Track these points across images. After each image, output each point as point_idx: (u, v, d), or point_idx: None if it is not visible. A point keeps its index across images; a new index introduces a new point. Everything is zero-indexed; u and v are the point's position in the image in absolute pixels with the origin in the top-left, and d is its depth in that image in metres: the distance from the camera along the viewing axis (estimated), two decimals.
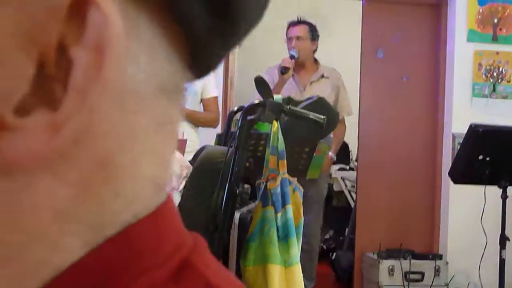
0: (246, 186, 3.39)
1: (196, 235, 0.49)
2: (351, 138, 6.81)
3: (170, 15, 0.43)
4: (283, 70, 5.18)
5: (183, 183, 2.93)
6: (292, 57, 5.33)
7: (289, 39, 5.51)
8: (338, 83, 5.55)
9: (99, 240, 0.41)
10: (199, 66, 0.48)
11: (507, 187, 4.63)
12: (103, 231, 0.42)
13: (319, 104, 3.90)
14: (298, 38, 5.46)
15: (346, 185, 6.86)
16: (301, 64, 5.46)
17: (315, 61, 5.61)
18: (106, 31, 0.37)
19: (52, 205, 0.40)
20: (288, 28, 5.59)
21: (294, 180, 3.42)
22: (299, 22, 5.56)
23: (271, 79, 5.29)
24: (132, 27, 0.41)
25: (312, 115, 3.09)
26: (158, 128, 0.45)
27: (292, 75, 5.40)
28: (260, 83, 3.35)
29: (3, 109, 0.37)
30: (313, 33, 5.55)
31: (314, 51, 5.58)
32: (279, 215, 3.22)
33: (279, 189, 3.25)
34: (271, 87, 5.20)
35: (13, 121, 0.37)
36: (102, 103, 0.39)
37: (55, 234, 0.40)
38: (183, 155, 3.79)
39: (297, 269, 3.22)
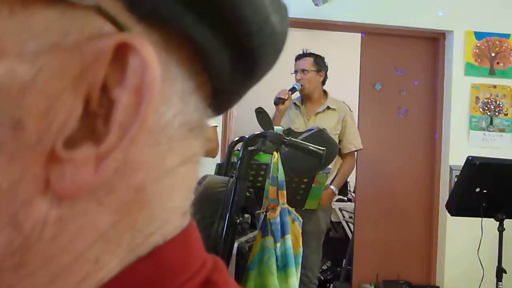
0: (246, 215, 3.38)
1: (215, 257, 0.51)
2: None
3: (200, 64, 0.46)
4: (277, 101, 5.15)
5: None
6: (293, 89, 5.30)
7: (295, 72, 5.48)
8: (346, 116, 5.47)
9: (132, 259, 0.44)
10: (221, 105, 0.52)
11: (503, 220, 4.62)
12: (136, 251, 0.44)
13: (319, 136, 3.90)
14: (303, 71, 5.42)
15: (344, 216, 6.85)
16: (308, 96, 5.43)
17: (324, 92, 5.57)
18: (145, 75, 0.39)
19: (96, 229, 0.42)
20: (295, 62, 5.55)
21: (293, 210, 3.41)
22: (304, 55, 5.53)
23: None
24: (166, 72, 0.43)
25: (312, 146, 3.09)
26: (184, 161, 0.47)
27: (299, 106, 5.40)
28: (261, 114, 3.34)
29: (55, 142, 0.39)
30: (319, 64, 5.50)
31: (323, 82, 5.54)
32: (278, 244, 3.21)
33: (278, 219, 3.23)
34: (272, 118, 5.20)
35: (63, 154, 0.39)
36: (139, 139, 0.41)
37: (97, 254, 0.43)
38: None
39: None
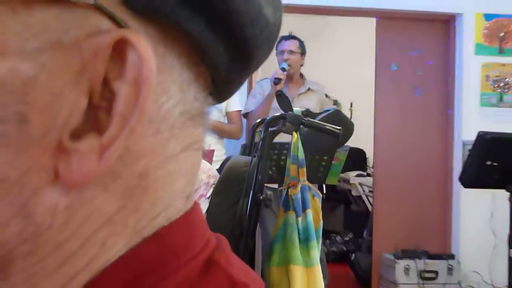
0: (269, 193, 3.39)
1: (220, 236, 0.52)
2: (368, 145, 6.80)
3: (197, 57, 0.46)
4: (276, 81, 5.11)
5: (211, 190, 2.94)
6: (283, 69, 5.24)
7: (280, 52, 5.40)
8: (323, 96, 5.51)
9: (138, 241, 0.44)
10: (221, 94, 0.51)
11: None
12: (141, 233, 0.45)
13: (335, 116, 3.90)
14: (291, 52, 5.38)
15: (363, 190, 6.83)
16: (290, 77, 5.36)
17: (301, 75, 5.54)
18: (142, 68, 0.39)
19: (102, 214, 0.43)
20: (279, 42, 5.44)
21: (313, 186, 3.41)
22: (291, 36, 5.48)
23: (262, 91, 5.30)
24: (164, 64, 0.43)
25: (329, 126, 3.09)
26: (186, 148, 0.47)
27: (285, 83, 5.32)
28: (281, 97, 3.36)
29: (62, 135, 0.40)
30: (303, 48, 5.48)
31: (301, 65, 5.51)
32: (299, 219, 3.22)
33: (299, 195, 3.24)
34: (262, 98, 5.18)
35: (69, 145, 0.40)
36: (140, 127, 0.41)
37: (104, 237, 0.43)
38: (211, 164, 3.79)
39: (317, 269, 3.21)
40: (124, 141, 0.40)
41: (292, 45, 5.40)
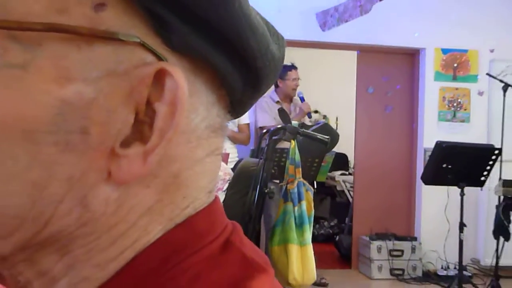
0: (272, 187, 3.40)
1: (235, 222, 0.51)
2: (350, 151, 6.80)
3: (220, 82, 0.46)
4: (310, 115, 5.19)
5: (226, 185, 2.94)
6: (302, 98, 5.29)
7: (293, 79, 5.38)
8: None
9: (171, 226, 0.44)
10: (237, 111, 0.51)
11: (464, 187, 4.59)
12: (174, 220, 0.44)
13: (324, 128, 3.95)
14: (295, 79, 5.39)
15: (346, 186, 6.81)
16: (291, 98, 5.42)
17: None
18: (177, 92, 0.40)
19: (144, 205, 0.43)
20: (289, 70, 5.41)
21: (306, 182, 3.42)
22: (294, 67, 5.45)
23: (269, 108, 5.25)
24: (194, 89, 0.43)
25: (319, 136, 3.09)
26: (210, 154, 0.47)
27: (281, 103, 5.31)
28: (282, 112, 3.41)
29: (114, 143, 0.40)
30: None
31: None
32: (296, 208, 3.23)
33: (296, 189, 3.25)
34: (268, 114, 5.18)
35: (120, 152, 0.40)
36: (175, 138, 0.41)
37: (146, 222, 0.43)
38: (226, 164, 3.79)
39: (310, 247, 3.22)
40: (162, 149, 0.40)
41: (297, 73, 5.42)
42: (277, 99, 5.30)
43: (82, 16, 0.38)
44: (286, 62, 5.49)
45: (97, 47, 0.39)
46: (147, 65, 0.40)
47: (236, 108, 0.51)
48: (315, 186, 6.98)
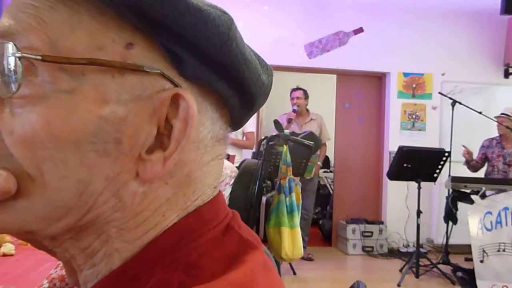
0: (268, 182, 3.38)
1: (234, 211, 0.51)
2: (331, 153, 6.79)
3: (222, 103, 0.46)
4: (289, 121, 5.22)
5: (232, 180, 2.94)
6: (294, 110, 5.32)
7: (292, 99, 5.44)
8: (321, 122, 5.48)
9: (184, 214, 0.45)
10: (236, 125, 0.51)
11: (420, 182, 4.59)
12: (187, 209, 0.45)
13: (310, 136, 3.94)
14: (298, 98, 5.39)
15: (327, 181, 6.81)
16: (299, 113, 5.40)
17: (307, 110, 5.54)
18: (189, 111, 0.40)
19: (163, 197, 0.43)
20: (291, 92, 5.50)
21: (296, 178, 3.41)
22: (297, 88, 5.49)
23: (282, 121, 5.27)
24: (202, 108, 0.44)
25: (306, 142, 3.09)
26: (214, 159, 0.47)
27: (295, 119, 5.36)
28: (277, 123, 3.41)
29: (141, 150, 0.41)
30: (306, 94, 5.48)
31: (306, 105, 5.52)
32: (287, 199, 3.22)
33: (287, 184, 3.24)
34: (283, 126, 5.19)
35: (145, 157, 0.41)
36: (187, 146, 0.42)
37: (164, 210, 0.43)
38: (233, 164, 3.78)
39: (298, 230, 3.20)
40: (178, 155, 0.41)
41: (298, 94, 5.43)
42: (290, 116, 5.38)
43: (115, 52, 0.39)
44: (291, 84, 5.60)
45: (127, 76, 0.39)
46: (166, 90, 0.41)
47: (235, 123, 0.51)
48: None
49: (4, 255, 1.68)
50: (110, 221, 0.42)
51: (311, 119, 5.45)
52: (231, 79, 0.44)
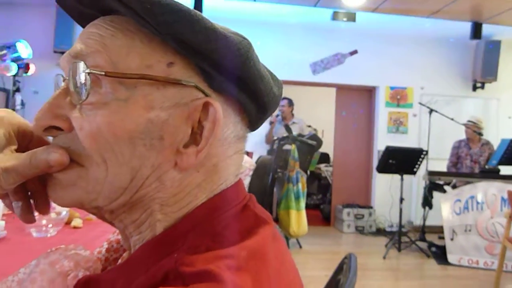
0: (280, 174, 3.40)
1: (251, 194, 0.51)
2: (330, 151, 6.74)
3: (242, 109, 0.47)
4: (271, 123, 5.21)
5: (251, 172, 2.95)
6: (277, 115, 5.29)
7: (281, 106, 5.36)
8: (302, 125, 5.33)
9: (212, 195, 0.45)
10: (253, 128, 0.51)
11: (403, 175, 4.53)
12: (214, 192, 0.45)
13: (313, 137, 3.94)
14: (283, 106, 5.33)
15: (328, 173, 6.76)
16: (284, 117, 5.31)
17: (292, 114, 5.43)
18: (216, 115, 0.41)
19: (195, 182, 0.44)
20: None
21: (301, 171, 3.42)
22: (283, 98, 5.37)
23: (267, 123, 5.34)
24: (226, 113, 0.44)
25: (310, 141, 3.08)
26: (236, 153, 0.48)
27: (281, 121, 5.31)
28: (287, 127, 3.43)
29: (179, 145, 0.41)
30: (290, 103, 5.38)
31: (291, 110, 5.41)
32: (294, 187, 3.23)
33: (295, 175, 3.26)
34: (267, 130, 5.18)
35: (182, 150, 0.41)
36: (214, 143, 0.43)
37: (196, 192, 0.44)
38: (251, 158, 3.79)
39: (303, 212, 3.22)
40: (207, 149, 0.42)
41: (284, 102, 5.36)
42: (271, 120, 5.31)
43: (160, 70, 0.40)
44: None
45: (169, 88, 0.41)
46: (199, 99, 0.42)
47: (252, 125, 0.51)
48: (309, 174, 6.99)
49: (75, 227, 1.70)
50: (154, 199, 0.43)
51: (293, 122, 5.34)
52: (249, 90, 0.45)
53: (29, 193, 0.44)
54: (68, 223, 1.71)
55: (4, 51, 4.57)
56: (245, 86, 0.44)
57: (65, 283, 0.43)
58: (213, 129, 0.41)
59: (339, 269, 1.15)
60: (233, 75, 0.43)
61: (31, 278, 0.44)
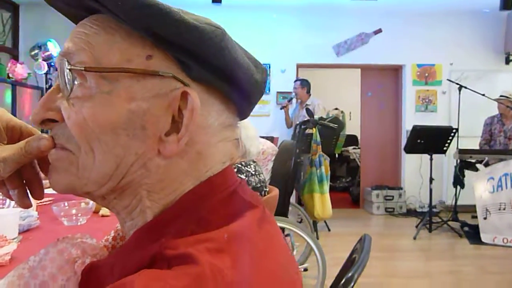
0: (303, 157, 3.39)
1: (242, 180, 0.50)
2: (358, 133, 6.65)
3: (226, 97, 0.47)
4: (281, 108, 5.11)
5: (274, 157, 2.96)
6: (290, 98, 5.14)
7: (294, 88, 5.19)
8: (315, 107, 5.07)
9: (197, 183, 0.46)
10: (242, 115, 0.52)
11: (432, 155, 4.44)
12: (199, 179, 0.46)
13: (334, 119, 3.91)
14: (296, 88, 5.15)
15: (356, 156, 6.69)
16: (298, 99, 5.14)
17: (309, 95, 5.19)
18: (193, 104, 0.42)
19: (180, 168, 0.45)
20: (294, 83, 5.24)
21: (324, 154, 3.40)
22: (297, 79, 5.25)
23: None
24: (208, 102, 0.45)
25: (331, 124, 3.06)
26: (222, 141, 0.48)
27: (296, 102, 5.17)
28: (308, 111, 3.41)
29: (161, 134, 0.43)
30: (303, 84, 5.15)
31: (307, 91, 5.16)
32: (318, 170, 3.22)
33: (317, 159, 3.25)
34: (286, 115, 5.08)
35: (164, 139, 0.43)
36: (197, 131, 0.44)
37: (181, 179, 0.45)
38: (276, 145, 3.80)
39: (327, 195, 3.21)
40: (187, 136, 0.43)
41: (297, 84, 5.17)
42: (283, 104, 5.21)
43: (139, 62, 0.42)
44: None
45: (148, 80, 0.42)
46: (177, 89, 0.43)
47: (241, 113, 0.51)
48: (337, 157, 6.95)
49: (103, 216, 1.77)
50: (141, 185, 0.44)
51: (306, 104, 5.13)
52: (228, 79, 0.45)
53: (24, 181, 0.48)
54: (96, 212, 1.79)
55: (36, 51, 4.77)
56: (223, 75, 0.44)
57: (72, 269, 0.46)
58: (191, 116, 0.42)
59: (355, 249, 1.17)
60: (209, 64, 0.43)
61: (41, 266, 0.47)
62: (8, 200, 1.69)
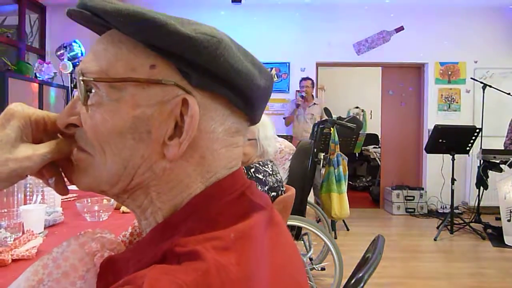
0: (321, 156, 3.38)
1: (253, 182, 0.52)
2: (378, 132, 6.57)
3: (232, 104, 0.48)
4: (297, 106, 5.01)
5: (291, 156, 2.96)
6: (302, 97, 5.05)
7: (301, 87, 5.13)
8: (322, 106, 5.08)
9: (203, 187, 0.47)
10: (252, 120, 0.52)
11: (454, 155, 4.35)
12: (205, 183, 0.47)
13: (353, 119, 3.88)
14: (307, 86, 5.09)
15: (376, 155, 6.61)
16: (306, 98, 5.06)
17: (312, 96, 5.18)
18: (193, 110, 0.44)
19: (186, 172, 0.47)
20: (300, 81, 5.20)
21: (342, 154, 3.38)
22: (306, 78, 5.18)
23: (292, 107, 5.12)
24: (211, 107, 0.46)
25: (349, 124, 3.04)
26: (226, 147, 0.49)
27: (302, 104, 5.06)
28: (327, 110, 3.39)
29: (164, 138, 0.45)
30: (313, 83, 5.14)
31: (314, 90, 5.18)
32: (336, 170, 3.21)
33: (335, 158, 3.23)
34: (290, 111, 5.03)
35: (168, 142, 0.45)
36: (201, 135, 0.45)
37: (187, 181, 0.47)
38: (295, 145, 3.81)
39: (345, 195, 3.19)
40: (188, 140, 0.44)
41: (307, 83, 5.12)
42: (298, 102, 5.12)
43: (143, 72, 0.44)
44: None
45: (152, 87, 0.44)
46: (179, 96, 0.44)
47: (250, 118, 0.51)
48: (357, 156, 6.88)
49: (123, 212, 1.83)
50: (150, 186, 0.47)
51: (314, 103, 5.11)
52: (229, 85, 0.46)
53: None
54: (117, 208, 1.85)
55: (62, 51, 4.91)
56: (223, 82, 0.45)
57: (92, 261, 0.50)
58: (192, 122, 0.44)
59: (369, 249, 1.18)
60: (207, 72, 0.44)
61: (63, 257, 0.50)
62: (35, 196, 1.76)
